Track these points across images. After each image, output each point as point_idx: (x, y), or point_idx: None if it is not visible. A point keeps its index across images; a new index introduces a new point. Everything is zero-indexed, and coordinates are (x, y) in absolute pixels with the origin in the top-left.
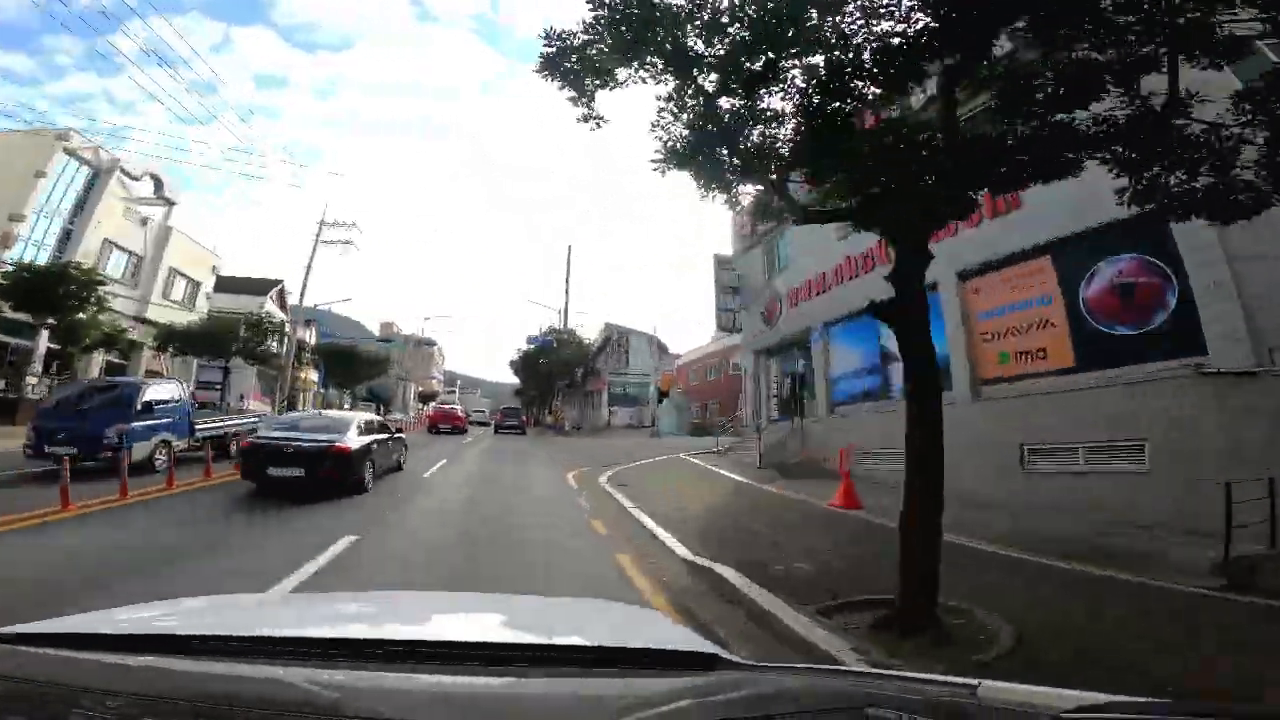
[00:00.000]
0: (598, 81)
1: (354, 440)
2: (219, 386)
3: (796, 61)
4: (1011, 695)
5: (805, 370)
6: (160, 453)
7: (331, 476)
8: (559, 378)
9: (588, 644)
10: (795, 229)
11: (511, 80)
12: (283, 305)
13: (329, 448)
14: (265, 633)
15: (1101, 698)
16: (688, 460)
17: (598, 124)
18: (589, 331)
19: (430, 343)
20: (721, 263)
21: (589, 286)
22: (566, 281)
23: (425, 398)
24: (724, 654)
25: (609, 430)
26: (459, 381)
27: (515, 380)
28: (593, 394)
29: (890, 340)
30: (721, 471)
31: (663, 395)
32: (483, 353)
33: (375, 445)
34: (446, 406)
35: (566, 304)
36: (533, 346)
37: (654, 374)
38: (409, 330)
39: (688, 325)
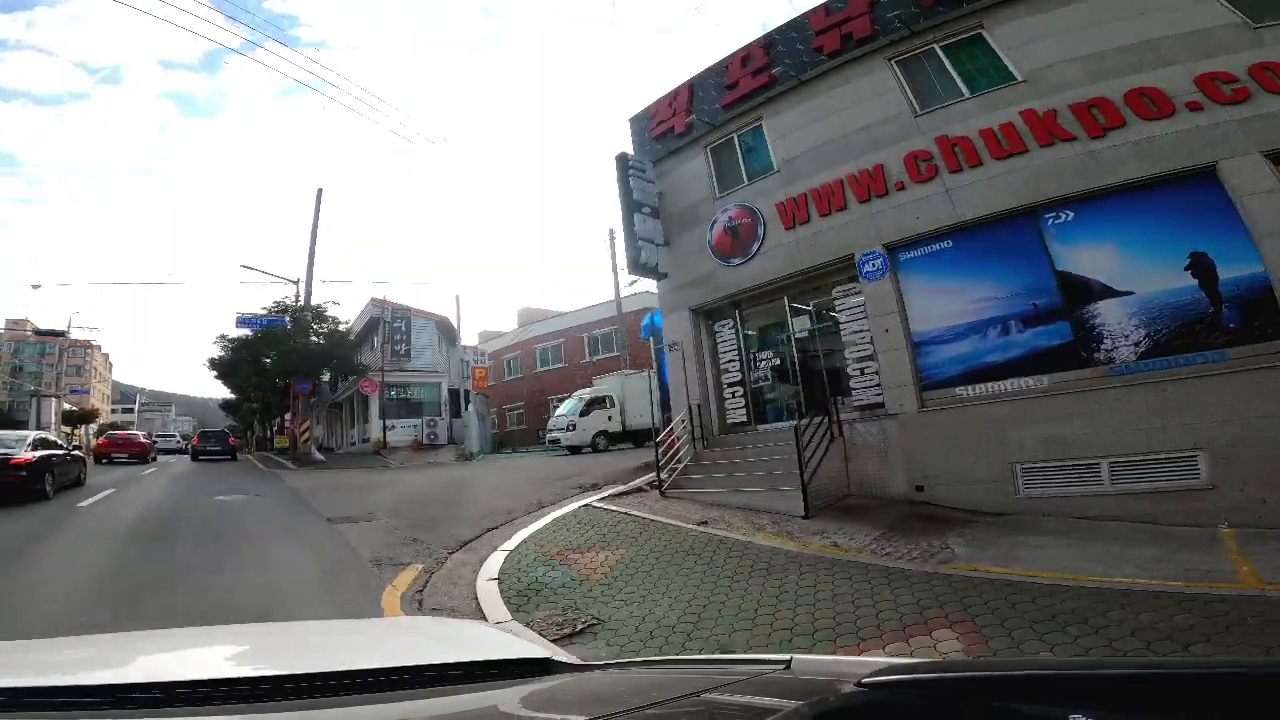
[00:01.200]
0: None
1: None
2: None
3: None
4: (820, 665)
5: (839, 333)
6: None
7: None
8: (301, 378)
9: (419, 663)
10: (799, 107)
11: None
12: None
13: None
14: (73, 682)
15: (899, 662)
16: (632, 518)
17: None
18: (349, 310)
19: (86, 346)
20: (632, 166)
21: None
22: (313, 236)
23: (78, 419)
24: (557, 657)
25: (388, 455)
26: (142, 397)
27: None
28: (354, 403)
29: (1078, 260)
30: (780, 547)
31: (465, 400)
32: (186, 360)
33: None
34: (122, 431)
35: (310, 268)
36: (249, 332)
37: (446, 370)
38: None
39: (484, 311)
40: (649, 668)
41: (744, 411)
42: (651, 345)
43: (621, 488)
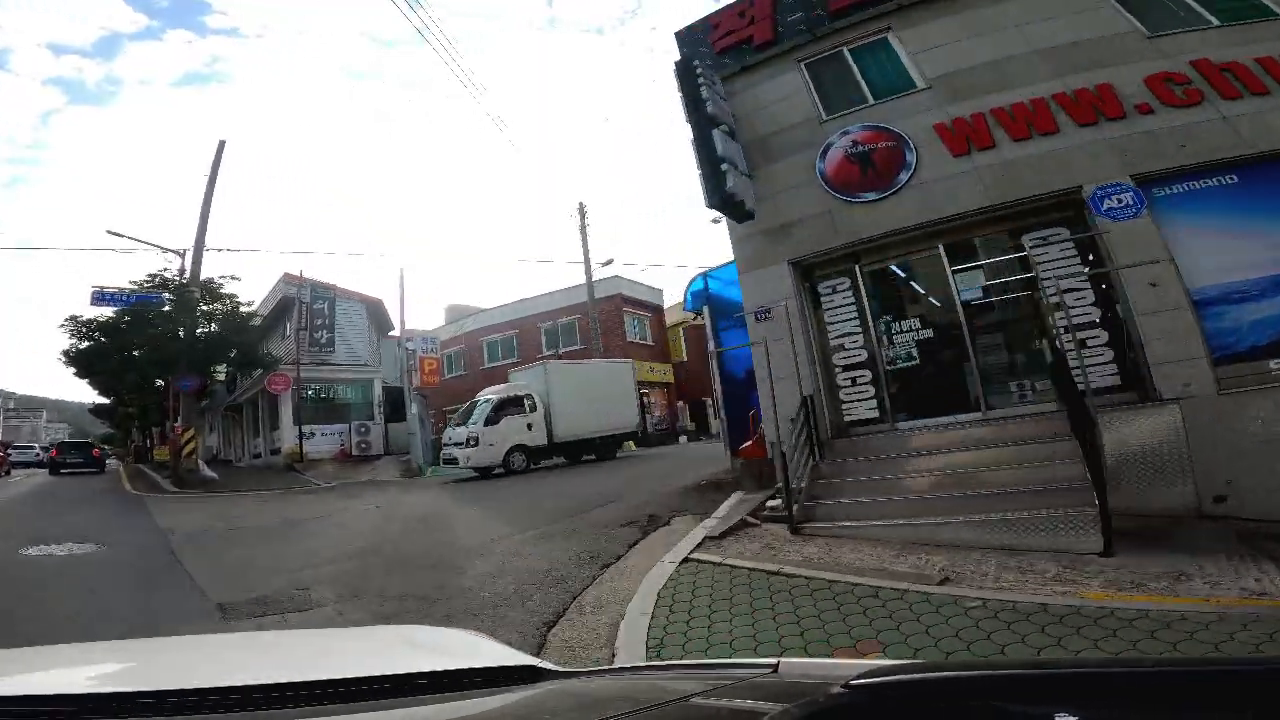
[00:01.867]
0: None
1: None
2: None
3: None
4: (808, 668)
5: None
6: None
7: None
8: (184, 373)
9: (405, 671)
10: (953, 18)
11: None
12: None
13: None
14: (75, 690)
15: (885, 663)
16: (806, 583)
17: None
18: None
19: None
20: (700, 74)
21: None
22: (208, 196)
23: None
24: (545, 665)
25: (307, 472)
26: (10, 402)
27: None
28: (260, 405)
29: None
30: None
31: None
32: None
33: None
34: None
35: (201, 234)
36: (111, 313)
37: (380, 364)
38: None
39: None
40: (637, 674)
41: (873, 404)
42: (707, 318)
43: (710, 524)
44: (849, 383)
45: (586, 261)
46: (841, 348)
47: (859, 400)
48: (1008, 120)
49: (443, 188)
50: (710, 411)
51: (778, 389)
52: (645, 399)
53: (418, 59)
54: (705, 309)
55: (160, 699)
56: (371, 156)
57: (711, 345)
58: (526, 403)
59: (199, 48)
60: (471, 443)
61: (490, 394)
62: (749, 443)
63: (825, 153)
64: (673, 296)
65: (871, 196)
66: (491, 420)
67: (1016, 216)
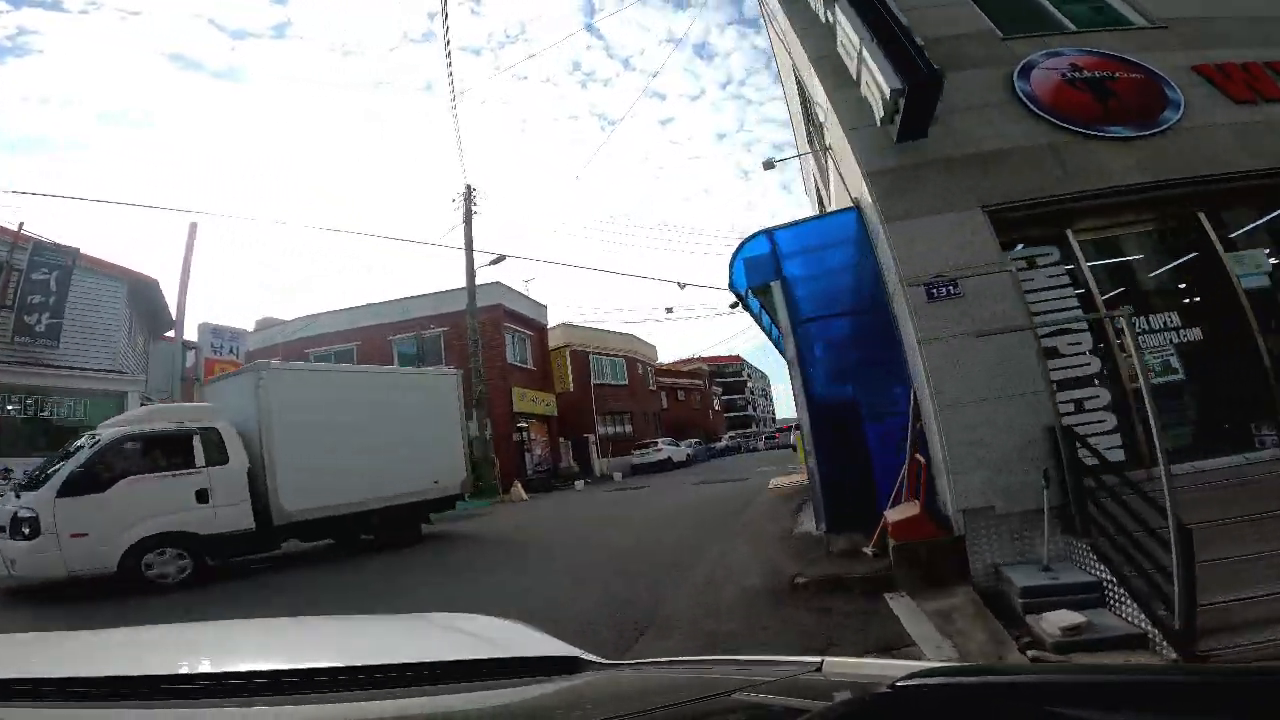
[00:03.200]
0: None
1: None
2: None
3: None
4: (853, 668)
5: None
6: None
7: None
8: None
9: (449, 658)
10: None
11: None
12: None
13: None
14: (115, 672)
15: (931, 664)
16: None
17: None
18: None
19: None
20: None
21: None
22: None
23: None
24: (586, 656)
25: None
26: None
27: None
28: None
29: None
30: None
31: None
32: None
33: None
34: None
35: None
36: None
37: (139, 371)
38: None
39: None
40: (678, 667)
41: (1115, 438)
42: (779, 302)
43: None
44: (1070, 407)
45: (469, 258)
46: (1056, 352)
47: (1092, 434)
48: None
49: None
50: (594, 451)
51: (974, 417)
52: (525, 434)
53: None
54: (775, 287)
55: (199, 681)
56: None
57: (791, 350)
58: (197, 445)
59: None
60: (24, 530)
61: (113, 427)
62: (909, 511)
63: (1025, 72)
64: (556, 315)
65: (1124, 132)
66: (84, 482)
67: None
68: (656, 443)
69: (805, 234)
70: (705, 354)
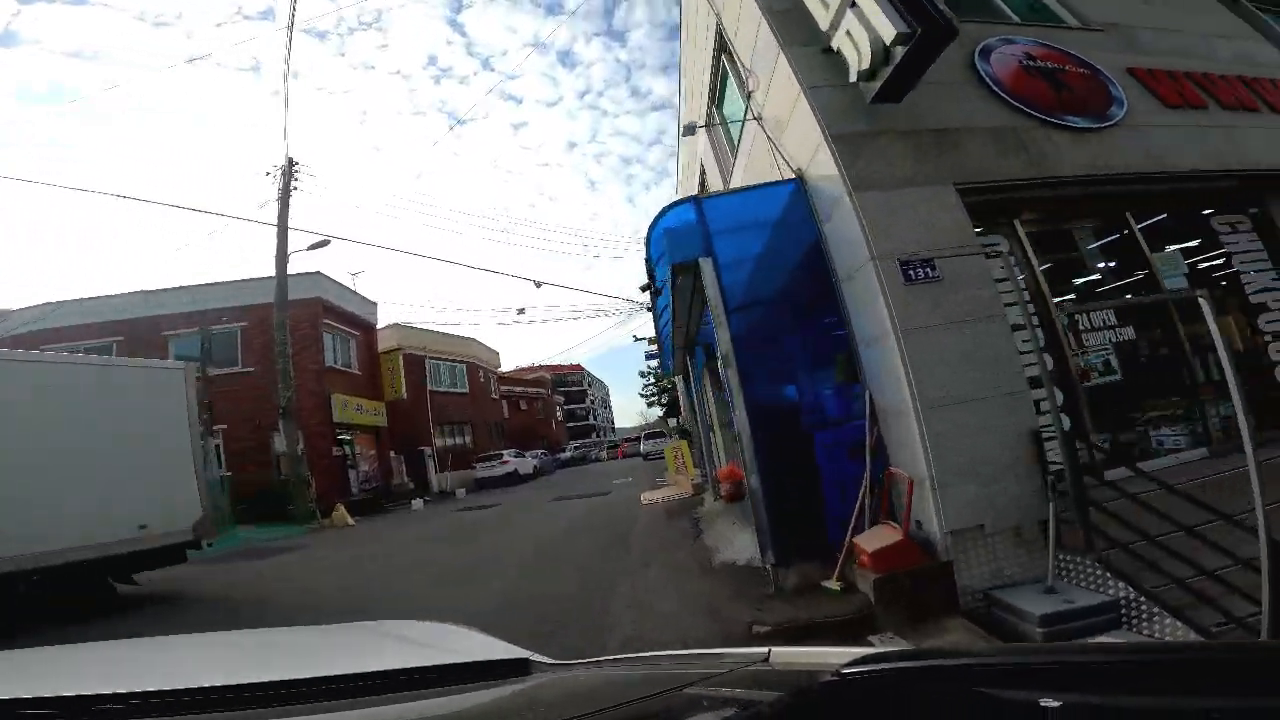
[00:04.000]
0: None
1: None
2: None
3: None
4: (799, 657)
5: None
6: None
7: None
8: None
9: (394, 667)
10: None
11: None
12: None
13: None
14: (92, 691)
15: (874, 651)
16: None
17: None
18: None
19: None
20: None
21: None
22: None
23: None
24: (535, 657)
25: None
26: None
27: None
28: None
29: None
30: None
31: None
32: None
33: None
34: None
35: None
36: None
37: None
38: None
39: None
40: (631, 665)
41: (1079, 443)
42: (708, 280)
43: None
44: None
45: (281, 240)
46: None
47: (1050, 437)
48: (1209, 85)
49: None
50: (431, 466)
51: (963, 420)
52: (349, 448)
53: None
54: (706, 265)
55: (130, 700)
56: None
57: (725, 340)
58: None
59: None
60: None
61: None
62: (889, 537)
63: (985, 54)
64: (389, 315)
65: (1080, 123)
66: None
67: (1207, 197)
68: (502, 454)
69: (738, 206)
70: (548, 362)
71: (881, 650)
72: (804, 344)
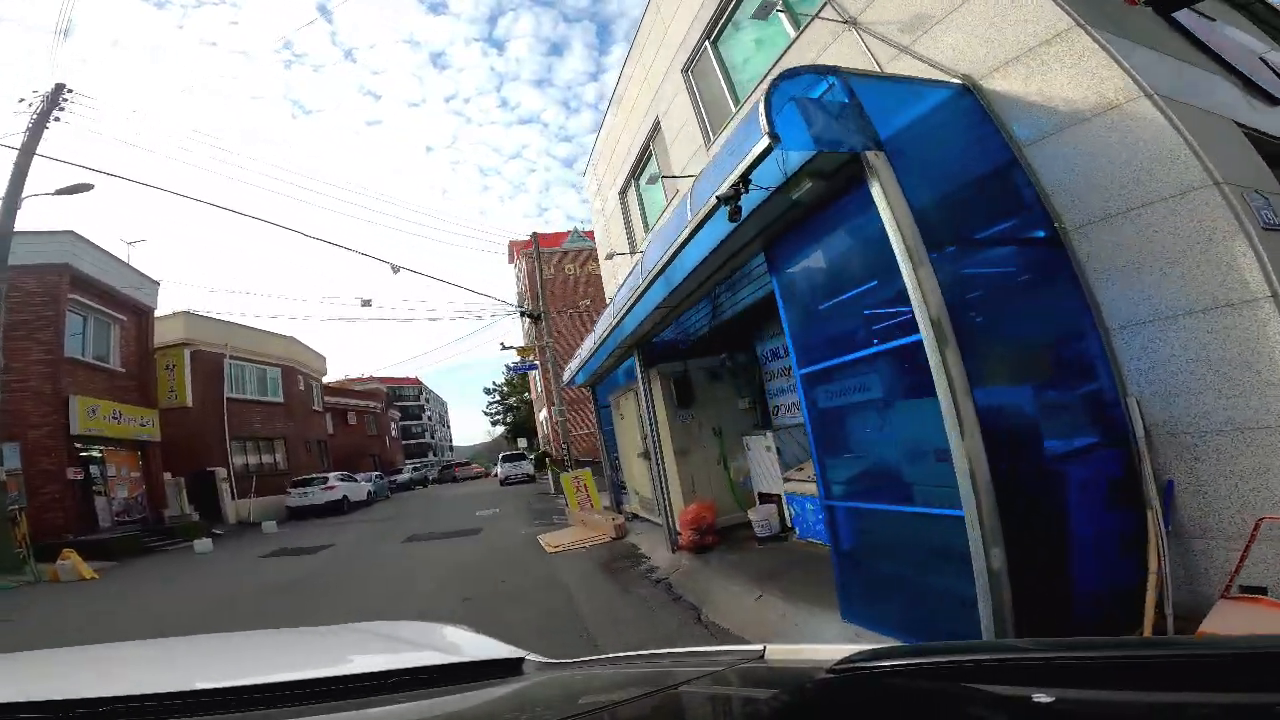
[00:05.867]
0: None
1: None
2: None
3: None
4: (793, 654)
5: None
6: None
7: None
8: None
9: (389, 668)
10: None
11: None
12: None
13: None
14: (81, 694)
15: (867, 648)
16: None
17: None
18: None
19: None
20: None
21: None
22: None
23: None
24: (530, 656)
25: None
26: None
27: None
28: None
29: None
30: None
31: None
32: None
33: None
34: None
35: None
36: None
37: None
38: None
39: None
40: (625, 664)
41: None
42: (885, 182)
43: None
44: None
45: (18, 173)
46: None
47: None
48: None
49: None
50: (225, 491)
51: None
52: (96, 469)
53: None
54: (878, 163)
55: (129, 703)
56: None
57: (931, 297)
58: None
59: None
60: None
61: None
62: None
63: None
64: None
65: None
66: None
67: None
68: (327, 478)
69: (895, 100)
70: (381, 374)
71: (875, 647)
72: (1035, 324)
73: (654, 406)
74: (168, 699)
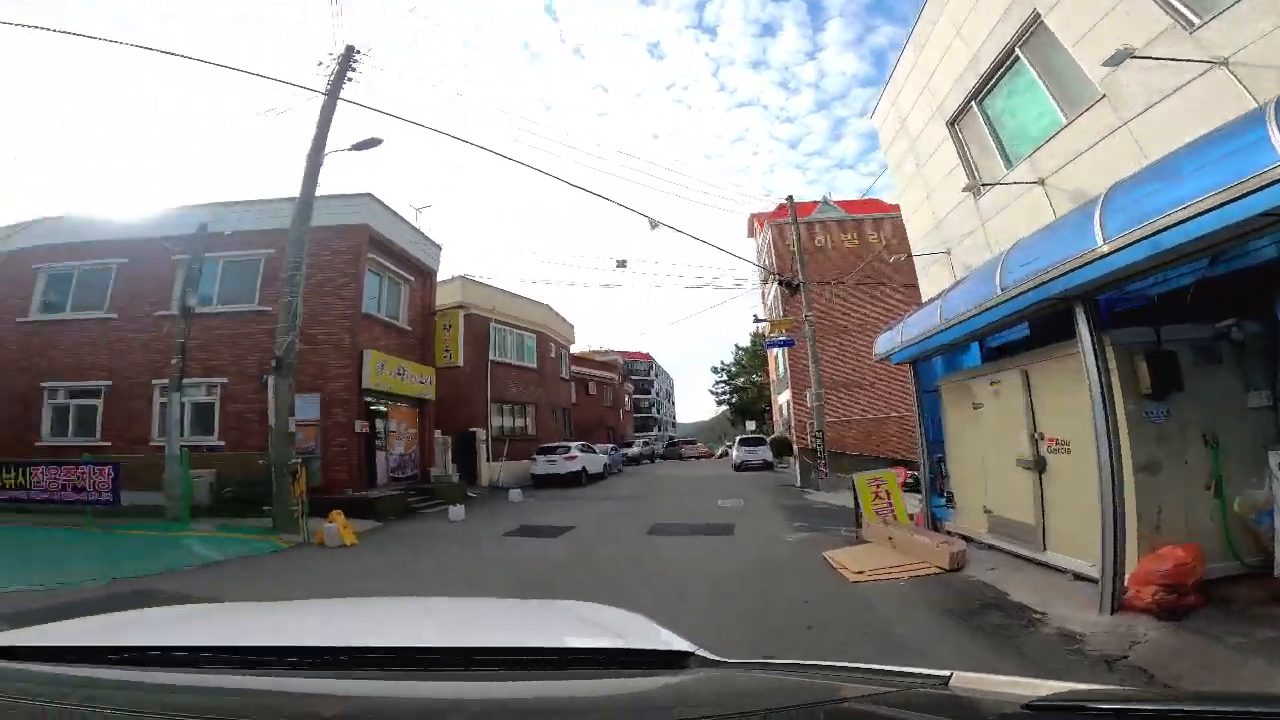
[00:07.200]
0: None
1: None
2: None
3: None
4: (982, 685)
5: None
6: None
7: None
8: None
9: (559, 645)
10: None
11: None
12: None
13: None
14: (252, 643)
15: (1067, 686)
16: None
17: None
18: None
19: None
20: None
21: None
22: None
23: None
24: (698, 652)
25: None
26: None
27: None
28: None
29: None
30: None
31: None
32: None
33: None
34: None
35: None
36: None
37: None
38: None
39: None
40: (793, 671)
41: None
42: None
43: None
44: None
45: (320, 135)
46: None
47: None
48: None
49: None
50: (482, 453)
51: None
52: (381, 423)
53: None
54: None
55: (321, 655)
56: None
57: None
58: None
59: None
60: None
61: None
62: None
63: None
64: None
65: None
66: None
67: None
68: (569, 447)
69: None
70: (618, 347)
71: (1076, 687)
72: None
73: (1108, 393)
74: (336, 653)
